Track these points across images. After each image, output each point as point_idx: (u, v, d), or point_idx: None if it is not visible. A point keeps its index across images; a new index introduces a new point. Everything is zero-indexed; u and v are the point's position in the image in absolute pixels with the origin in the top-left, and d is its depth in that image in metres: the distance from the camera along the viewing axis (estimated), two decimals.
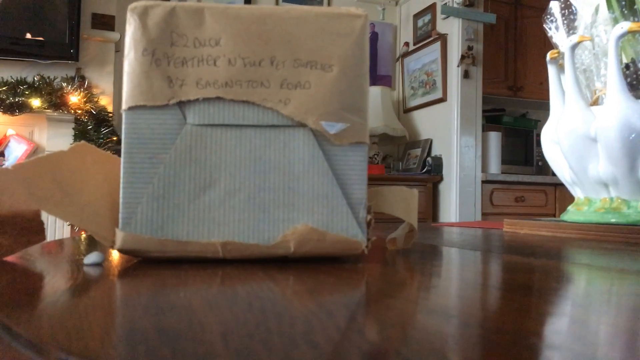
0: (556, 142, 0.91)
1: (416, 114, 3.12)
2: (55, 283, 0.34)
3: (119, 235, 0.44)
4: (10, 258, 0.45)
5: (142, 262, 0.44)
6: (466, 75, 2.73)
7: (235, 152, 0.44)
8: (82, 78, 2.44)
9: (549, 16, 1.01)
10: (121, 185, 0.44)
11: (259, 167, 0.44)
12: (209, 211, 0.44)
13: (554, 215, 2.94)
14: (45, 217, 0.46)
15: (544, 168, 3.13)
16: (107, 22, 2.50)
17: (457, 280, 0.39)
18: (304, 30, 0.45)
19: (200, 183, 0.44)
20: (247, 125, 0.44)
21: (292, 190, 0.44)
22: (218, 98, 0.44)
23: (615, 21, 0.90)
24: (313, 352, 0.20)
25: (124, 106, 0.45)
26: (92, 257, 0.42)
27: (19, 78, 2.32)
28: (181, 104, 0.44)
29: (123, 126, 0.45)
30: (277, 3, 3.07)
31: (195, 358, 0.19)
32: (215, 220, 0.44)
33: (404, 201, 0.53)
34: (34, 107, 2.31)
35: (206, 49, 0.44)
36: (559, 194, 2.94)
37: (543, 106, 3.24)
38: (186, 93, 0.44)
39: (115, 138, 2.29)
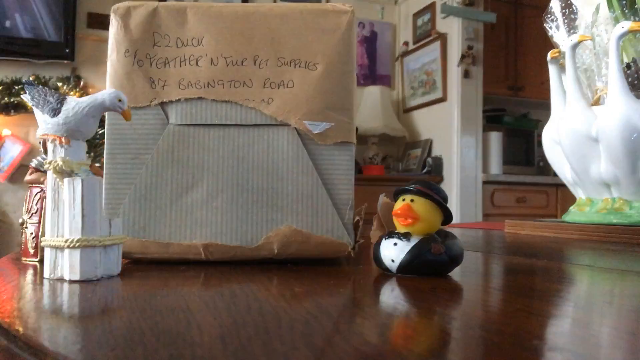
0: (557, 142, 0.90)
1: (416, 114, 3.11)
2: (52, 285, 0.34)
3: None
4: (3, 260, 0.45)
5: (134, 264, 0.43)
6: (466, 74, 2.72)
7: (218, 152, 0.43)
8: (78, 78, 2.42)
9: (549, 15, 1.00)
10: (103, 187, 0.43)
11: (242, 167, 0.43)
12: (191, 212, 0.43)
13: (556, 216, 2.92)
14: None
15: (546, 168, 3.11)
16: (102, 22, 2.46)
17: (458, 281, 0.38)
18: (287, 27, 0.44)
19: (182, 184, 0.43)
20: (230, 124, 0.44)
21: (276, 190, 0.43)
22: (200, 98, 0.44)
23: (616, 20, 0.89)
24: (312, 353, 0.20)
25: None
26: None
27: (14, 78, 2.31)
28: (163, 105, 0.44)
29: (106, 127, 0.45)
30: (275, 0, 3.06)
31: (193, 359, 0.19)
32: (197, 222, 0.43)
33: None
34: (29, 108, 2.30)
35: (188, 49, 0.44)
36: (561, 195, 2.92)
37: (544, 106, 3.22)
38: (168, 94, 0.44)
39: None
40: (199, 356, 0.20)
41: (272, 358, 0.19)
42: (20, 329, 0.23)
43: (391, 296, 0.33)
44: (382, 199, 0.59)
